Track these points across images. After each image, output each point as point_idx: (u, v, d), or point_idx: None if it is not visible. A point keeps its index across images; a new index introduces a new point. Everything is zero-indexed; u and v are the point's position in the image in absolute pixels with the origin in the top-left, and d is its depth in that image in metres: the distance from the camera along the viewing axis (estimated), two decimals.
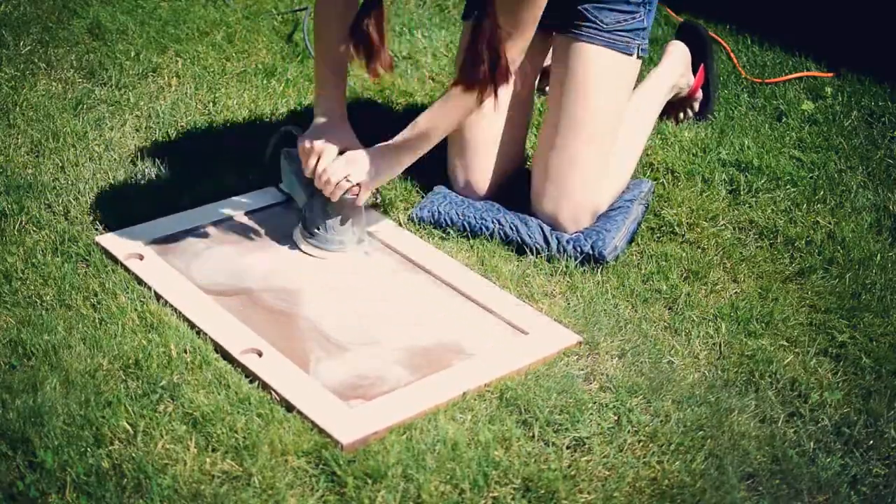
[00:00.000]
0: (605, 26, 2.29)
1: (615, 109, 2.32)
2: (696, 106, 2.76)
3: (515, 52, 2.09)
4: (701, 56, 2.73)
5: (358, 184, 2.16)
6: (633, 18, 2.31)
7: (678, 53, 2.69)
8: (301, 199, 2.27)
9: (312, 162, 2.16)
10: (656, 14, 3.01)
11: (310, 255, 2.24)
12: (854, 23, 3.15)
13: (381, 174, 2.19)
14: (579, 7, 2.29)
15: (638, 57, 2.33)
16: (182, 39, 3.03)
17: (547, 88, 2.80)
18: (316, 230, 2.22)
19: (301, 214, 2.26)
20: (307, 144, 2.17)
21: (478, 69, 2.05)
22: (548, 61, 2.54)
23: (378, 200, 2.41)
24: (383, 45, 2.13)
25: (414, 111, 2.76)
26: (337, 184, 2.14)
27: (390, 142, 2.20)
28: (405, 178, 2.48)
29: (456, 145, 2.41)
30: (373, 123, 2.71)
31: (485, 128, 2.39)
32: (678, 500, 1.71)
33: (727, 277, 2.22)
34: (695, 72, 2.72)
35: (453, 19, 3.31)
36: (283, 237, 2.29)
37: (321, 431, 1.77)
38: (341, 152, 2.17)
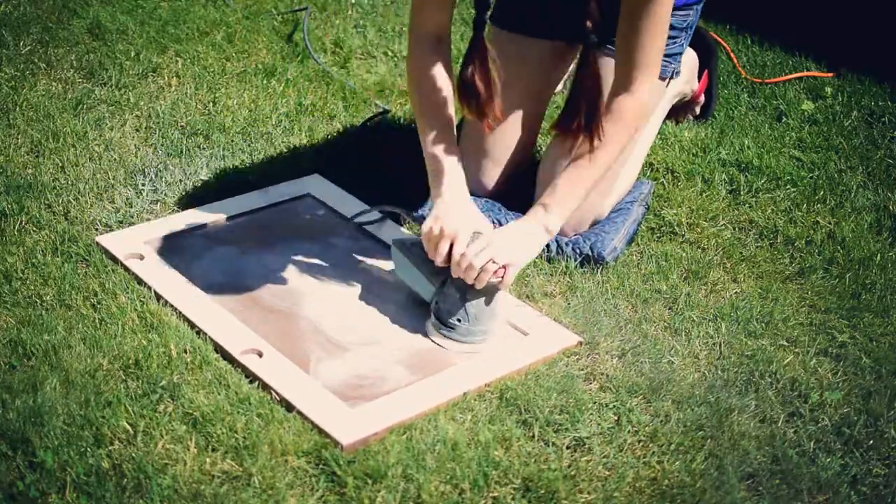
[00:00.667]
0: None
1: (635, 132, 2.31)
2: (697, 110, 2.77)
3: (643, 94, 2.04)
4: (705, 61, 2.73)
5: (503, 266, 1.95)
6: (675, 43, 2.30)
7: (685, 61, 2.68)
8: (428, 291, 2.04)
9: (445, 248, 1.96)
10: None
11: (451, 349, 2.01)
12: (854, 23, 3.15)
13: (527, 250, 2.00)
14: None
15: (670, 80, 2.34)
16: (182, 39, 3.03)
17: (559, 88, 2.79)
18: (457, 322, 1.99)
19: (434, 306, 2.03)
20: (434, 229, 1.97)
21: (573, 120, 2.00)
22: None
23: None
24: (493, 93, 2.02)
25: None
26: (482, 269, 1.94)
27: (527, 215, 2.05)
28: (408, 178, 2.48)
29: (471, 147, 2.40)
30: (371, 124, 2.71)
31: (505, 136, 2.39)
32: (678, 500, 1.71)
33: (727, 277, 2.22)
34: (699, 76, 2.72)
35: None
36: (284, 237, 2.29)
37: (321, 432, 1.77)
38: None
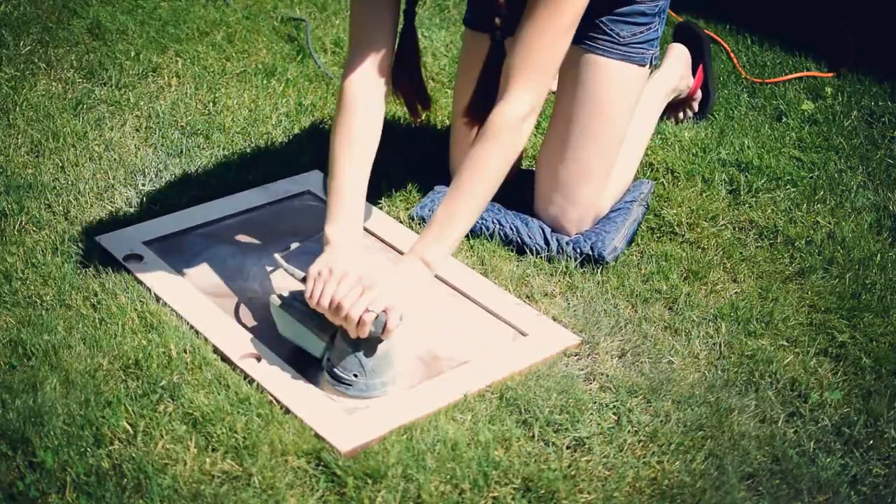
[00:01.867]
0: (621, 39, 2.23)
1: (626, 119, 2.31)
2: (696, 105, 2.77)
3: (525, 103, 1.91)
4: (699, 56, 2.73)
5: (384, 310, 1.82)
6: (649, 29, 2.27)
7: (678, 56, 2.69)
8: (318, 347, 1.89)
9: (330, 290, 1.81)
10: None
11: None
12: (854, 23, 3.15)
13: (407, 290, 1.86)
14: (596, 20, 2.23)
15: (650, 66, 2.33)
16: (182, 39, 3.03)
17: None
18: (354, 377, 1.85)
19: (326, 363, 1.88)
20: (323, 272, 1.84)
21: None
22: None
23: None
24: (423, 89, 2.05)
25: None
26: (359, 320, 1.80)
27: (406, 253, 1.93)
28: (406, 177, 2.48)
29: (460, 144, 2.41)
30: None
31: None
32: (678, 500, 1.71)
33: (727, 277, 2.22)
34: (694, 72, 2.72)
35: (453, 19, 3.31)
36: (284, 237, 2.29)
37: (320, 438, 1.77)
38: None
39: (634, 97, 2.32)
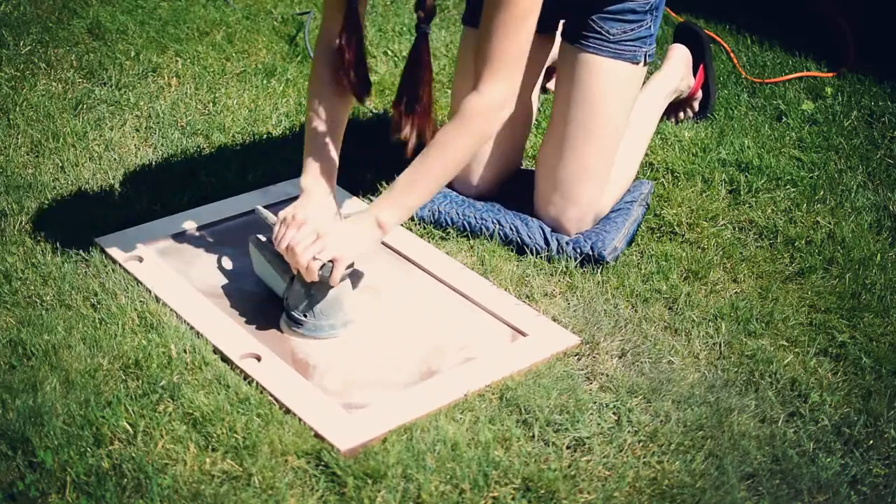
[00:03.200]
0: (611, 37, 2.24)
1: (623, 117, 2.31)
2: (696, 105, 2.77)
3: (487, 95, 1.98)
4: (699, 56, 2.73)
5: (331, 260, 1.94)
6: (640, 26, 2.27)
7: (679, 57, 2.69)
8: (280, 287, 2.04)
9: (290, 234, 1.95)
10: None
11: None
12: (854, 23, 3.15)
13: (357, 245, 1.98)
14: (587, 19, 2.25)
15: (645, 63, 2.33)
16: (182, 39, 3.03)
17: (549, 86, 2.80)
18: (303, 317, 2.00)
19: (284, 302, 2.03)
20: (289, 216, 1.99)
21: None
22: (550, 61, 2.54)
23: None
24: (365, 71, 2.07)
25: None
26: (308, 264, 1.93)
27: (362, 211, 2.03)
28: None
29: None
30: (371, 124, 2.71)
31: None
32: (678, 500, 1.71)
33: (727, 277, 2.22)
34: (694, 72, 2.72)
35: (453, 19, 3.31)
36: None
37: (320, 437, 1.77)
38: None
39: (629, 95, 2.32)
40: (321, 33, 2.14)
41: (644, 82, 2.49)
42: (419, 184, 1.99)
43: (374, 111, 2.76)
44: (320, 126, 2.08)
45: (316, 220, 1.98)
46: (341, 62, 2.05)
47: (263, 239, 2.07)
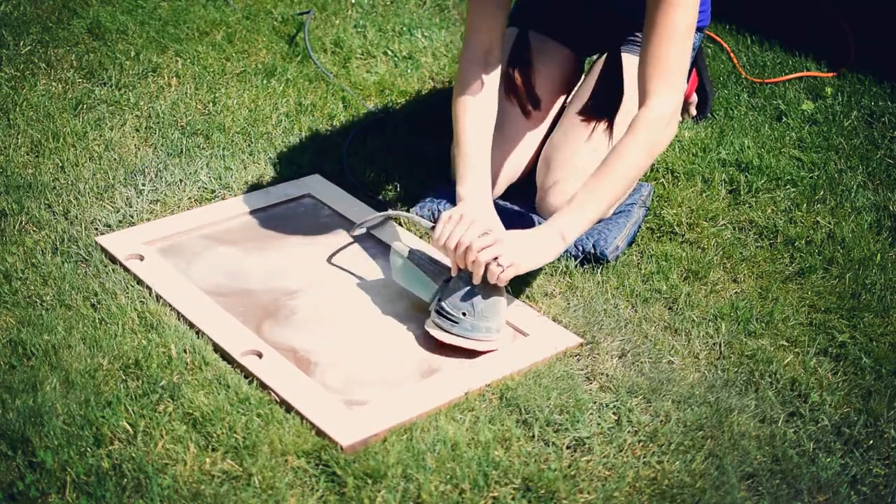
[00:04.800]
0: None
1: None
2: (693, 109, 2.77)
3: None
4: (692, 61, 2.73)
5: (510, 265, 1.96)
6: None
7: None
8: (430, 290, 2.04)
9: (459, 231, 1.96)
10: None
11: (454, 345, 1.99)
12: (854, 23, 3.15)
13: (536, 255, 2.00)
14: (637, 32, 2.34)
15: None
16: (182, 39, 3.03)
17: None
18: (461, 316, 1.97)
19: (436, 304, 2.00)
20: (454, 215, 2.00)
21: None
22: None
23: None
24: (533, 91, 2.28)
25: (413, 111, 2.76)
26: (487, 264, 1.95)
27: (545, 223, 2.05)
28: (406, 177, 2.48)
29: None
30: (371, 124, 2.71)
31: (501, 124, 2.38)
32: (678, 500, 1.71)
33: (727, 277, 2.22)
34: (687, 76, 2.72)
35: (453, 19, 3.31)
36: (284, 237, 2.29)
37: (321, 433, 1.77)
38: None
39: None
40: (471, 45, 2.16)
41: None
42: (597, 195, 2.01)
43: (375, 108, 2.76)
44: (472, 139, 2.11)
45: (487, 221, 2.00)
46: (511, 86, 2.23)
47: (401, 246, 2.08)
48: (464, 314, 1.97)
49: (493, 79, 2.17)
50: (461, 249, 1.96)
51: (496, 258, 1.94)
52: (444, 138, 2.50)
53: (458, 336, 1.98)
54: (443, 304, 1.99)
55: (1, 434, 1.73)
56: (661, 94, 2.03)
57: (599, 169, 2.03)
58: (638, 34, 2.37)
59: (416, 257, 2.06)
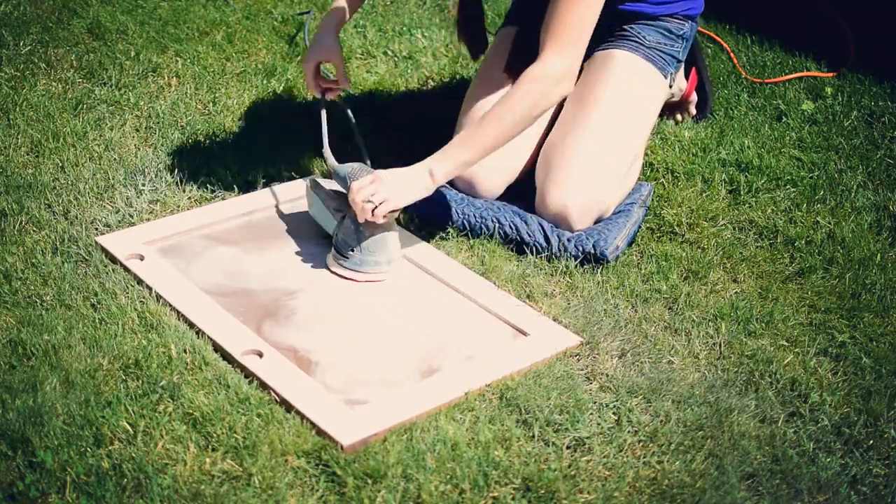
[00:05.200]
0: (646, 41, 2.38)
1: (647, 119, 2.38)
2: (693, 108, 2.77)
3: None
4: (690, 59, 2.74)
5: (383, 201, 2.10)
6: (672, 46, 2.41)
7: None
8: (331, 225, 2.22)
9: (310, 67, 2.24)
10: None
11: (345, 278, 2.17)
12: (854, 23, 3.15)
13: (407, 191, 2.12)
14: (625, 26, 2.38)
15: (670, 85, 2.40)
16: (182, 39, 3.03)
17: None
18: (350, 252, 2.16)
19: (334, 239, 2.20)
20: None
21: None
22: None
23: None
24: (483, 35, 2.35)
25: (413, 111, 2.77)
26: (363, 205, 2.09)
27: (423, 161, 2.15)
28: None
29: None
30: (372, 123, 2.71)
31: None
32: (678, 500, 1.71)
33: (727, 277, 2.22)
34: (686, 75, 2.72)
35: (454, 19, 3.30)
36: (284, 237, 2.29)
37: (321, 433, 1.77)
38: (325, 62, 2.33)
39: (655, 100, 2.37)
40: None
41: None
42: (472, 143, 2.11)
43: (376, 108, 2.76)
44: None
45: (326, 57, 2.25)
46: (467, 30, 2.36)
47: (320, 181, 2.27)
48: (352, 250, 2.15)
49: None
50: (350, 195, 2.13)
51: (372, 196, 2.09)
52: (443, 138, 2.49)
53: (347, 269, 2.17)
54: (338, 241, 2.18)
55: (1, 434, 1.73)
56: (553, 54, 2.09)
57: (482, 119, 2.11)
58: (637, 33, 2.38)
59: (322, 194, 2.24)
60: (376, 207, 2.09)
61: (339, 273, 2.17)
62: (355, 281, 2.17)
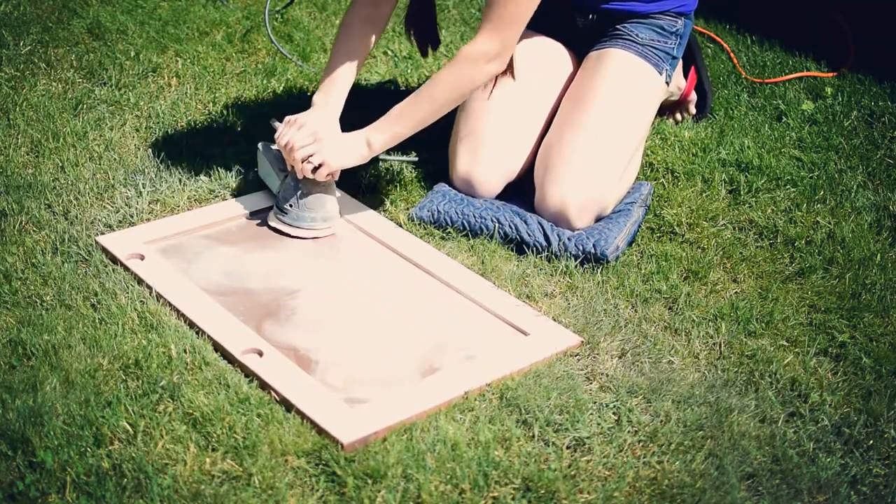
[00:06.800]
0: (640, 39, 2.40)
1: (645, 117, 2.38)
2: (692, 108, 2.77)
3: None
4: (689, 59, 2.74)
5: (322, 163, 2.20)
6: (666, 43, 2.42)
7: None
8: (275, 184, 2.32)
9: (288, 131, 2.22)
10: None
11: (282, 232, 2.27)
12: (854, 23, 3.15)
13: (344, 156, 2.22)
14: (618, 25, 2.41)
15: (666, 82, 2.40)
16: (182, 39, 3.03)
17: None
18: (288, 207, 2.26)
19: (276, 196, 2.30)
20: (292, 119, 2.24)
21: None
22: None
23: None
24: (435, 32, 2.34)
25: None
26: (303, 161, 2.19)
27: (362, 129, 2.24)
28: (405, 177, 2.48)
29: (463, 133, 2.40)
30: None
31: (500, 121, 2.39)
32: (678, 500, 1.71)
33: (727, 277, 2.23)
34: (686, 74, 2.72)
35: (453, 19, 3.31)
36: (284, 237, 2.29)
37: (321, 431, 1.77)
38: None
39: (647, 99, 2.38)
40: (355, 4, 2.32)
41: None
42: (408, 116, 2.21)
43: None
44: (343, 56, 2.29)
45: (316, 126, 2.22)
46: (416, 27, 2.35)
47: (272, 147, 2.35)
48: (290, 206, 2.26)
49: (377, 24, 2.33)
50: (288, 148, 2.22)
51: (311, 156, 2.19)
52: (443, 138, 2.50)
53: (284, 224, 2.27)
54: (278, 196, 2.28)
55: (1, 434, 1.73)
56: (486, 36, 2.15)
57: (417, 93, 2.20)
58: (629, 32, 2.38)
59: (269, 155, 2.35)
60: (316, 169, 2.19)
61: (277, 227, 2.27)
62: (289, 236, 2.27)
